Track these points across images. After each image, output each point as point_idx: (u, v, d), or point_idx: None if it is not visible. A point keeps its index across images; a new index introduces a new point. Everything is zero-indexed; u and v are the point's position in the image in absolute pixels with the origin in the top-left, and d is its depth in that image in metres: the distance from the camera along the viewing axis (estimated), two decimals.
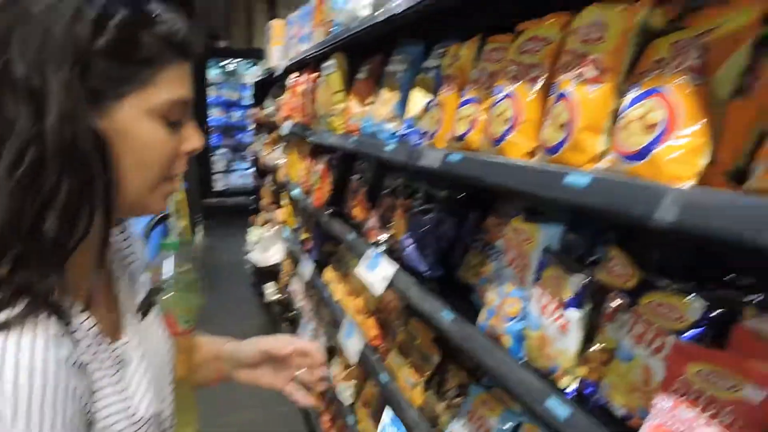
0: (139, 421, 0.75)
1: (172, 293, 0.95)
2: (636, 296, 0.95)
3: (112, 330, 0.79)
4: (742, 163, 0.78)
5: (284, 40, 3.85)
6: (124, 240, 0.93)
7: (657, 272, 0.96)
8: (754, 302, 0.82)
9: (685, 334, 0.84)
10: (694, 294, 0.84)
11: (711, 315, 0.83)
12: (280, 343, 1.12)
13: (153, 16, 0.71)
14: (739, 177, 0.78)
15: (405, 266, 1.78)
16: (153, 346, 0.86)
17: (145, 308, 0.88)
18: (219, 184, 8.84)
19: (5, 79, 0.63)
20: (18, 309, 0.62)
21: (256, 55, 8.11)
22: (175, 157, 0.76)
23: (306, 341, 1.16)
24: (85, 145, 0.65)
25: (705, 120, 0.75)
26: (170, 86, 0.72)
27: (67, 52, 0.64)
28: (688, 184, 0.74)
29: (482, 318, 1.31)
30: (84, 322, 0.71)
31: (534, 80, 1.08)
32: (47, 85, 0.63)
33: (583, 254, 1.14)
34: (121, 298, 0.85)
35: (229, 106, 8.78)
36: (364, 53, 2.31)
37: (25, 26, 0.64)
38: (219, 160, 8.78)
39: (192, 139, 0.78)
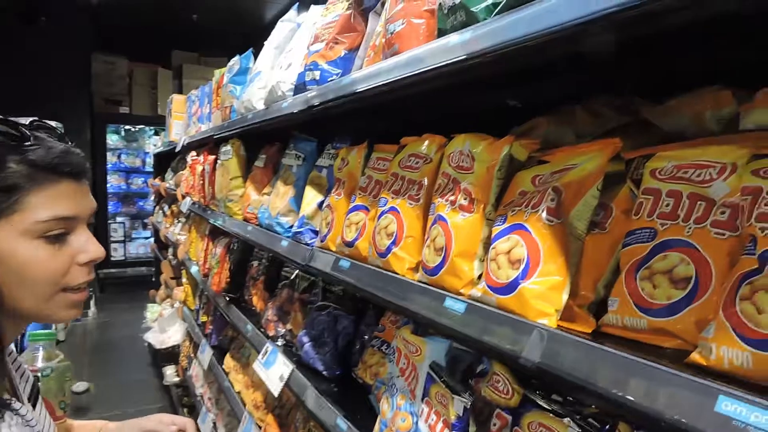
0: None
1: (48, 381, 0.98)
2: (519, 415, 0.95)
3: None
4: (601, 295, 0.83)
5: (185, 116, 3.78)
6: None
7: (540, 383, 0.98)
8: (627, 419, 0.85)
9: None
10: (569, 418, 0.86)
11: None
12: (161, 425, 1.21)
13: (21, 145, 0.76)
14: (599, 308, 0.83)
15: (302, 363, 1.72)
16: (47, 430, 0.93)
17: (33, 399, 0.94)
18: (117, 253, 8.30)
19: None
20: None
21: (158, 122, 7.90)
22: (67, 270, 0.81)
23: (182, 418, 1.24)
24: None
25: (564, 257, 0.79)
26: (43, 207, 0.77)
27: None
28: (550, 319, 0.77)
29: (377, 429, 1.27)
30: (26, 413, 0.82)
31: (415, 197, 1.11)
32: None
33: (471, 365, 1.15)
34: (19, 392, 0.90)
35: (129, 172, 8.39)
36: (262, 139, 2.30)
37: None
38: (117, 228, 8.27)
39: (87, 250, 0.82)
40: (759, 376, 0.56)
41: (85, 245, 0.83)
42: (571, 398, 0.94)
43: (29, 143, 0.78)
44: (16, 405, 0.82)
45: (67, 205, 0.81)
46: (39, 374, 0.97)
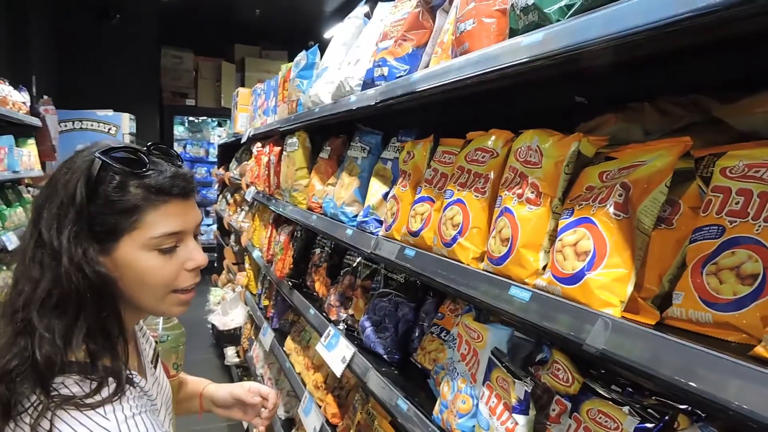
0: None
1: (166, 345, 1.14)
2: (578, 402, 0.99)
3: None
4: (666, 289, 0.85)
5: (250, 109, 3.94)
6: None
7: (601, 372, 1.01)
8: (687, 411, 0.88)
9: None
10: (628, 407, 0.89)
11: (645, 426, 0.87)
12: (249, 394, 1.41)
13: (139, 173, 0.90)
14: (663, 302, 0.86)
15: (363, 347, 1.80)
16: (163, 389, 1.12)
17: (155, 361, 1.14)
18: None
19: (39, 241, 0.87)
20: (111, 388, 0.86)
21: (222, 114, 8.21)
22: (177, 275, 0.95)
23: (267, 388, 1.43)
24: (94, 282, 0.86)
25: (630, 250, 0.82)
26: (156, 225, 0.91)
27: (72, 214, 0.86)
28: (615, 310, 0.80)
29: (437, 410, 1.34)
30: (144, 385, 0.98)
31: (481, 190, 1.16)
32: (60, 241, 0.85)
33: (531, 353, 1.19)
34: (144, 356, 1.10)
35: (193, 162, 8.77)
36: (327, 132, 2.39)
37: (52, 197, 0.89)
38: None
39: (194, 258, 0.96)
40: None
41: (191, 254, 0.96)
42: (630, 389, 0.97)
43: (146, 169, 0.91)
44: (137, 379, 0.97)
45: (176, 222, 0.93)
46: (158, 340, 1.10)
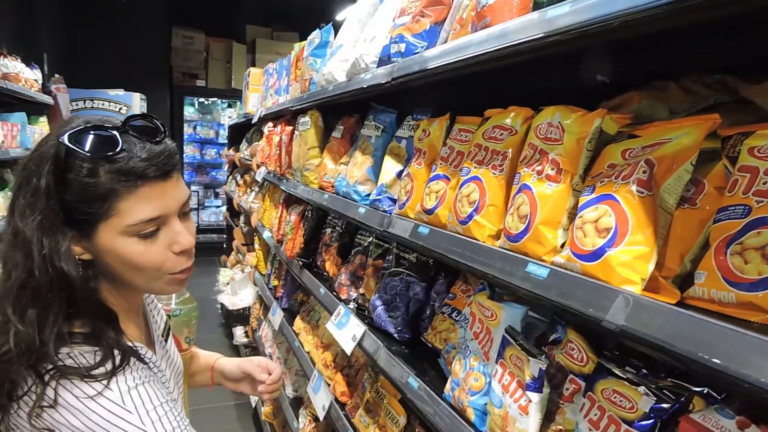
0: None
1: (178, 319, 1.15)
2: (592, 381, 0.99)
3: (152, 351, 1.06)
4: (687, 269, 0.84)
5: (261, 89, 3.92)
6: None
7: (614, 352, 1.00)
8: (702, 393, 0.87)
9: (637, 424, 0.88)
10: (644, 386, 0.89)
11: (660, 407, 0.87)
12: (257, 368, 1.42)
13: (108, 157, 0.84)
14: (683, 282, 0.85)
15: (374, 326, 1.80)
16: (173, 362, 1.13)
17: (166, 334, 1.14)
18: None
19: (14, 229, 0.86)
20: (116, 360, 0.86)
21: (232, 95, 8.19)
22: (164, 259, 0.91)
23: (275, 364, 1.44)
24: (70, 271, 0.84)
25: (652, 228, 0.81)
26: (132, 212, 0.86)
27: (42, 202, 0.83)
28: (636, 288, 0.79)
29: (448, 388, 1.34)
30: (151, 357, 0.99)
31: (499, 167, 1.15)
32: (31, 231, 0.83)
33: (544, 333, 1.18)
34: (153, 329, 1.11)
35: (203, 143, 8.78)
36: (339, 111, 2.38)
37: (23, 185, 0.86)
38: (192, 196, 8.74)
39: (178, 242, 0.91)
40: None
41: (176, 237, 0.91)
42: (644, 370, 0.96)
43: (115, 152, 0.84)
44: (143, 351, 0.97)
45: (154, 207, 0.87)
46: (170, 314, 1.11)
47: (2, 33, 4.51)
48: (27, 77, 4.15)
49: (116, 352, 0.88)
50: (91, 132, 0.85)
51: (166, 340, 1.16)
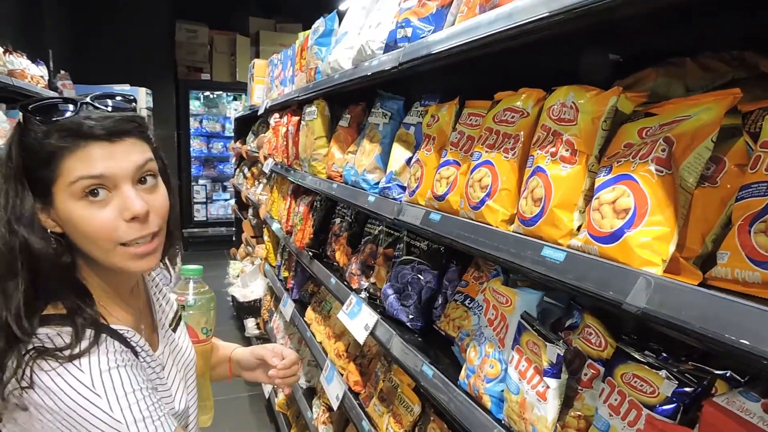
0: (176, 414, 1.01)
1: (194, 310, 1.14)
2: (611, 366, 0.97)
3: (154, 344, 1.06)
4: (709, 249, 0.82)
5: (266, 80, 3.90)
6: (158, 274, 1.21)
7: (632, 337, 0.99)
8: (725, 377, 0.85)
9: (659, 408, 0.86)
10: (665, 370, 0.87)
11: (683, 391, 0.85)
12: (270, 353, 1.40)
13: (56, 119, 0.87)
14: (705, 262, 0.82)
15: (386, 315, 1.79)
16: (181, 352, 1.13)
17: (175, 324, 1.15)
18: (199, 214, 8.79)
19: None
20: (88, 337, 0.87)
21: (237, 88, 8.17)
22: (115, 226, 0.89)
23: (289, 350, 1.41)
24: (33, 240, 0.86)
25: (672, 208, 0.79)
26: (75, 169, 0.86)
27: (10, 171, 0.87)
28: (656, 269, 0.77)
29: (463, 375, 1.33)
30: (139, 341, 0.98)
31: (511, 150, 1.12)
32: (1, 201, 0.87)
33: (560, 318, 1.16)
34: (158, 317, 1.11)
35: (209, 137, 8.77)
36: (345, 100, 2.35)
37: (1, 165, 0.89)
38: (200, 190, 8.75)
39: (128, 207, 0.89)
40: None
41: (125, 202, 0.89)
42: (664, 354, 0.94)
43: (67, 116, 0.87)
44: (128, 334, 0.96)
45: (95, 165, 0.86)
46: (185, 304, 1.10)
47: (7, 30, 4.51)
48: (33, 74, 4.15)
49: (89, 332, 0.88)
50: (48, 101, 0.89)
51: (174, 330, 1.15)
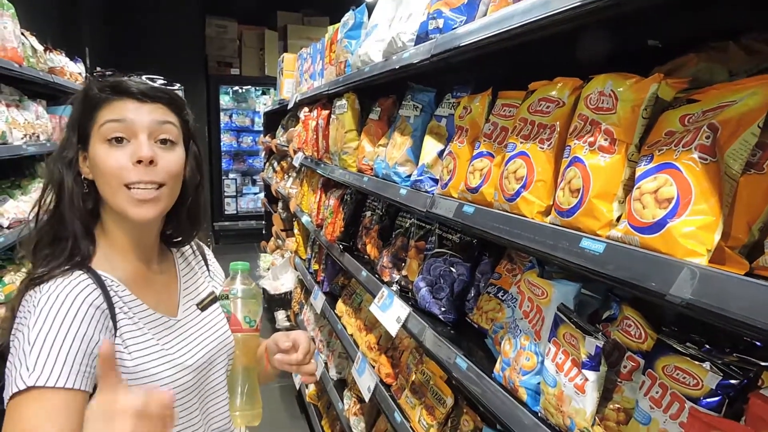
0: (180, 365, 1.08)
1: (237, 299, 1.18)
2: (652, 359, 0.96)
3: (169, 310, 1.15)
4: (755, 238, 0.80)
5: (295, 74, 3.92)
6: (194, 258, 1.32)
7: (673, 329, 0.97)
8: None
9: (703, 401, 0.85)
10: (709, 362, 0.85)
11: (728, 383, 0.83)
12: (282, 337, 1.30)
13: (101, 79, 1.06)
14: (750, 251, 0.80)
15: (418, 307, 1.79)
16: (210, 330, 1.20)
17: (203, 305, 1.23)
18: (230, 207, 8.93)
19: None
20: (64, 267, 0.98)
21: (266, 82, 8.25)
22: (123, 166, 1.01)
23: (302, 335, 1.31)
24: (70, 183, 1.05)
25: (717, 197, 0.77)
26: (108, 115, 1.03)
27: (71, 126, 1.08)
28: (701, 260, 0.76)
29: (498, 368, 1.32)
30: (122, 291, 1.05)
31: (547, 141, 1.11)
32: (59, 151, 1.08)
33: (597, 310, 1.15)
34: (184, 293, 1.21)
35: (239, 131, 8.89)
36: (375, 93, 2.35)
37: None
38: (230, 184, 8.88)
39: (136, 152, 1.01)
40: None
41: (137, 148, 1.02)
42: (707, 346, 0.92)
43: (106, 79, 1.05)
44: (112, 283, 1.04)
45: (123, 113, 1.03)
46: (228, 293, 1.18)
47: (47, 28, 4.64)
48: (71, 71, 4.27)
49: (65, 266, 0.99)
50: (110, 70, 1.09)
51: (202, 309, 1.22)
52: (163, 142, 1.07)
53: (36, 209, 1.07)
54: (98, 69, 1.08)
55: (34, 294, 0.96)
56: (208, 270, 1.36)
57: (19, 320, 0.95)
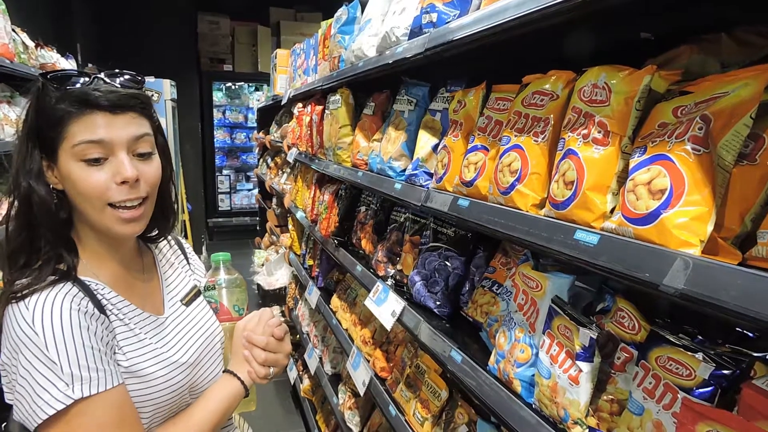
0: (174, 363, 1.07)
1: (223, 289, 1.20)
2: (645, 350, 0.96)
3: (155, 308, 1.14)
4: (748, 228, 0.80)
5: (289, 70, 3.91)
6: (173, 253, 1.29)
7: (666, 320, 0.98)
8: (765, 359, 0.84)
9: (696, 391, 0.85)
10: (701, 353, 0.86)
11: (721, 373, 0.84)
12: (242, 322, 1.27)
13: (68, 88, 0.97)
14: (743, 242, 0.81)
15: (413, 301, 1.80)
16: (197, 325, 1.18)
17: (187, 300, 1.21)
18: (224, 203, 8.90)
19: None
20: (47, 280, 0.95)
21: (259, 78, 8.22)
22: (106, 187, 0.98)
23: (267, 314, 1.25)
24: (41, 196, 0.98)
25: (710, 188, 0.78)
26: (78, 133, 0.96)
27: (26, 131, 1.00)
28: (694, 250, 0.76)
29: (492, 361, 1.33)
30: (109, 294, 1.03)
31: (541, 134, 1.11)
32: (17, 159, 1.00)
33: (591, 302, 1.16)
34: (167, 290, 1.19)
35: (232, 128, 8.86)
36: (369, 88, 2.35)
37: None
38: (224, 180, 8.86)
39: (119, 172, 0.98)
40: None
41: (119, 167, 0.98)
42: (699, 337, 0.93)
43: (78, 85, 0.97)
44: (98, 286, 1.03)
45: (96, 132, 0.96)
46: (215, 284, 1.15)
47: (38, 24, 4.60)
48: (63, 67, 4.24)
49: (51, 278, 0.96)
50: (64, 72, 1.00)
51: (186, 305, 1.21)
52: (141, 155, 1.04)
53: (5, 222, 1.03)
54: (50, 70, 1.00)
55: (24, 312, 0.92)
56: (188, 263, 1.34)
57: (15, 342, 0.92)
